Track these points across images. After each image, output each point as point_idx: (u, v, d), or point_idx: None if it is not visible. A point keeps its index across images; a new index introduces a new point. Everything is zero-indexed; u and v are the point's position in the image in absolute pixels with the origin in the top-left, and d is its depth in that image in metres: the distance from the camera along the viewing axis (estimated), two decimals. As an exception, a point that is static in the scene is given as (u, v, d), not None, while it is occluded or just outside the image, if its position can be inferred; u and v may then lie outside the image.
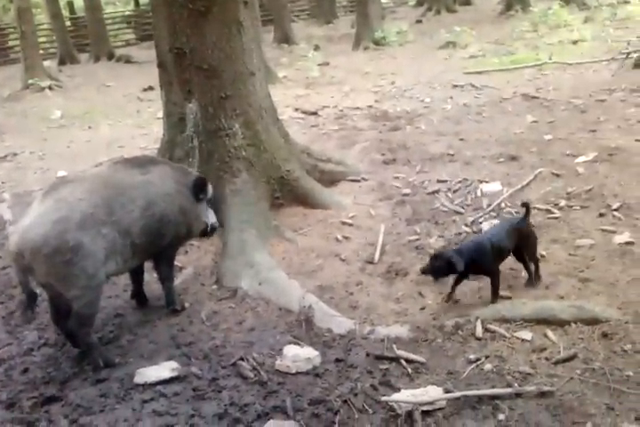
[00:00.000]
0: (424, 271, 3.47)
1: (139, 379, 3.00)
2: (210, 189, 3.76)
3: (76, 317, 3.08)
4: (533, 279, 3.63)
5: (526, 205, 3.65)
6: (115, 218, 3.11)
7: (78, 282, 2.98)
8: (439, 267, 3.37)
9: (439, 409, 2.68)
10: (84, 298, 3.03)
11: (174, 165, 3.89)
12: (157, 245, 3.44)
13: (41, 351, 3.37)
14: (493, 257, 3.47)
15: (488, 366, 2.95)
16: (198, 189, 3.63)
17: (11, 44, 19.81)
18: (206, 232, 3.83)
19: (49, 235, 2.87)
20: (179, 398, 2.87)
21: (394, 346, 3.15)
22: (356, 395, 2.81)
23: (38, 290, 3.15)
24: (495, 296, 3.48)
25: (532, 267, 3.65)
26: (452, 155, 5.92)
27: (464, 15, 19.73)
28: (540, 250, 4.00)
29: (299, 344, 3.21)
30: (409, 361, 3.04)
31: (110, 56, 18.09)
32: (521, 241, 3.57)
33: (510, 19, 16.48)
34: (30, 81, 13.02)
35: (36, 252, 2.87)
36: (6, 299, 4.01)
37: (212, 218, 3.85)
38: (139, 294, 3.79)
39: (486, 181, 5.17)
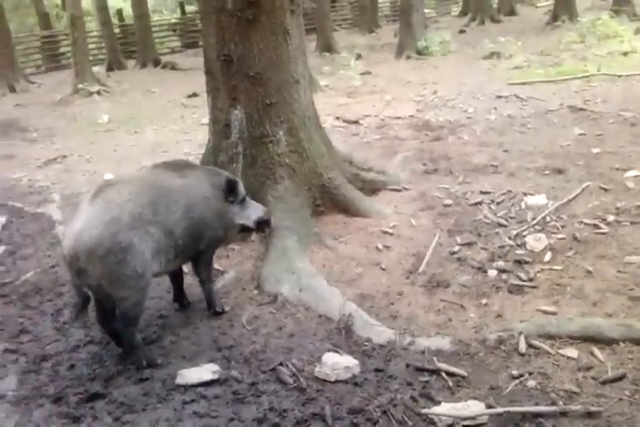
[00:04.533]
0: None
1: (180, 380, 3.04)
2: (241, 188, 3.70)
3: (123, 317, 3.14)
4: None
5: None
6: (160, 218, 3.17)
7: (129, 282, 3.04)
8: None
9: (481, 424, 2.63)
10: (131, 299, 3.10)
11: (206, 167, 3.96)
12: (196, 247, 3.50)
13: (87, 349, 3.45)
14: None
15: (532, 383, 2.88)
16: (228, 190, 3.62)
17: (62, 50, 20.55)
18: (248, 228, 3.80)
19: (102, 236, 2.94)
20: (219, 401, 2.90)
21: (434, 358, 3.11)
22: (395, 406, 2.78)
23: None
24: None
25: None
26: (496, 166, 5.84)
27: (509, 25, 19.53)
28: (587, 266, 3.91)
29: (338, 352, 3.20)
30: (450, 374, 3.00)
31: (156, 63, 18.55)
32: None
33: (557, 29, 16.18)
34: (80, 86, 13.47)
35: (90, 254, 2.94)
36: (54, 296, 4.12)
37: (253, 214, 3.79)
38: (180, 297, 3.86)
39: (531, 194, 5.07)
